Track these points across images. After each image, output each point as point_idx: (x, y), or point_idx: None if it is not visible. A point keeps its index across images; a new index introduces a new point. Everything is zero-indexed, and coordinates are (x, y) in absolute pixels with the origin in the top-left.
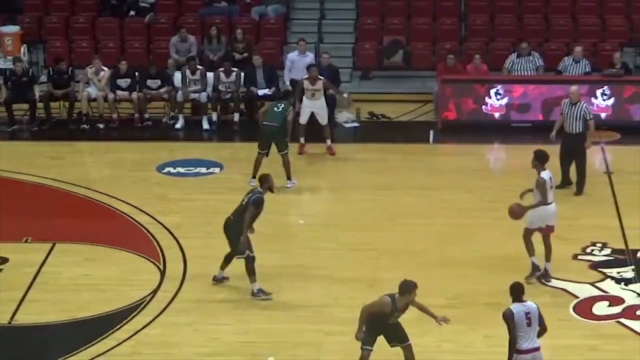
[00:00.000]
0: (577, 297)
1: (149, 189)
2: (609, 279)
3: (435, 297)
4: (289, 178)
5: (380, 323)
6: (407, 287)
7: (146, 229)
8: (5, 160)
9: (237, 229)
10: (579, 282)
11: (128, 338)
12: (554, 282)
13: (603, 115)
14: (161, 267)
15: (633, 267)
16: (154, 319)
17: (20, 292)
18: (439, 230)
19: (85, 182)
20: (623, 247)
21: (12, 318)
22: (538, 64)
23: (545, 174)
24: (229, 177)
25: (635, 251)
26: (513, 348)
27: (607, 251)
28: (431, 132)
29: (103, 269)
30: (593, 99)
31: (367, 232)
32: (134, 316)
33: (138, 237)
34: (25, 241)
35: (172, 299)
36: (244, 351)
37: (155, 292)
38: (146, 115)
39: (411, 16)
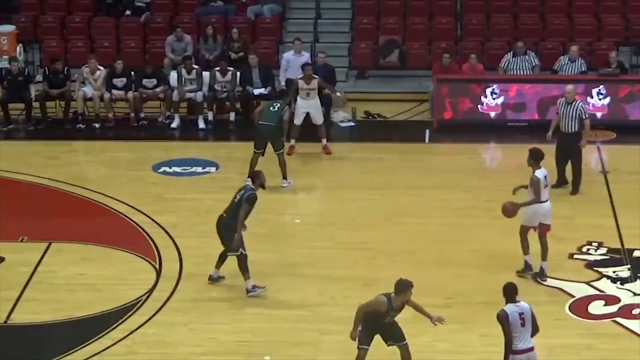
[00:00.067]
0: (573, 296)
1: (145, 189)
2: (604, 278)
3: (431, 296)
4: (284, 177)
5: (376, 322)
6: (403, 287)
7: (142, 229)
8: (1, 160)
9: (230, 226)
10: (575, 281)
11: (124, 337)
12: (549, 281)
13: (599, 114)
14: (157, 266)
15: (629, 266)
16: (149, 319)
17: (16, 292)
18: (435, 229)
19: (81, 181)
20: (619, 246)
21: (8, 317)
22: (534, 63)
23: (539, 173)
24: (225, 177)
25: (631, 250)
26: (509, 349)
27: (603, 250)
28: (427, 131)
29: (99, 269)
30: (589, 98)
31: (363, 231)
32: (130, 316)
33: (134, 236)
34: (21, 240)
35: (168, 298)
36: (240, 351)
37: (151, 291)
38: (142, 115)
39: (407, 16)
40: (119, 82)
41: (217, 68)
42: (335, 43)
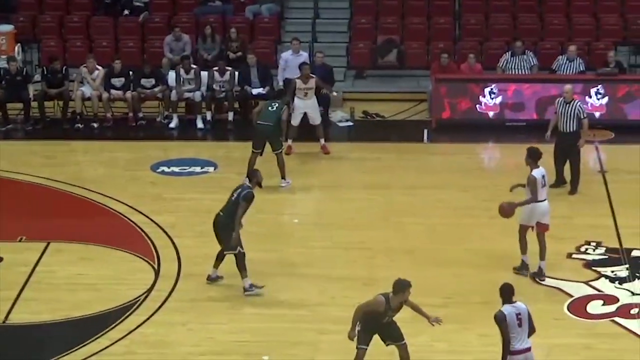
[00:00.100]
0: (571, 296)
1: (143, 188)
2: (603, 278)
3: (430, 296)
4: (283, 177)
5: (375, 322)
6: (401, 286)
7: (140, 228)
8: None
9: (227, 225)
10: (574, 281)
11: (122, 337)
12: (548, 281)
13: (597, 114)
14: (155, 266)
15: (627, 265)
16: (148, 318)
17: (15, 292)
18: (433, 229)
19: (79, 181)
20: (617, 246)
21: (6, 317)
22: (532, 63)
23: (537, 172)
24: (223, 177)
25: (630, 250)
26: (507, 350)
27: (602, 250)
28: (425, 131)
29: (97, 268)
30: (587, 98)
31: (362, 231)
32: (128, 315)
33: (132, 236)
34: (20, 240)
35: (167, 298)
36: (238, 350)
37: (149, 291)
38: (140, 115)
39: (405, 15)
40: (118, 81)
41: (216, 68)
42: (334, 43)
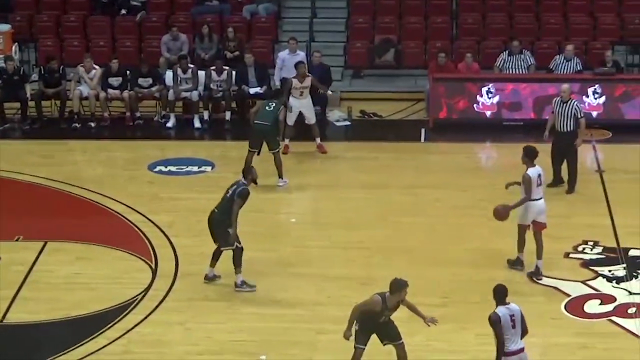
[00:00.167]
0: (568, 295)
1: (141, 188)
2: (600, 277)
3: (427, 295)
4: (280, 177)
5: (372, 322)
6: (398, 286)
7: (138, 228)
8: None
9: (222, 222)
10: (571, 280)
11: (120, 337)
12: (545, 280)
13: (594, 113)
14: (153, 265)
15: (624, 265)
16: (145, 318)
17: (12, 291)
18: (431, 228)
19: (76, 180)
20: (614, 245)
21: (3, 317)
22: (529, 63)
23: (532, 171)
24: (221, 176)
25: (627, 249)
26: (501, 351)
27: (599, 249)
28: (423, 130)
29: (95, 268)
30: (584, 98)
31: (360, 230)
32: (126, 315)
33: (130, 235)
34: (17, 240)
35: (164, 297)
36: (236, 350)
37: (146, 290)
38: (137, 114)
39: (402, 15)
40: (115, 81)
41: (213, 67)
42: (331, 42)
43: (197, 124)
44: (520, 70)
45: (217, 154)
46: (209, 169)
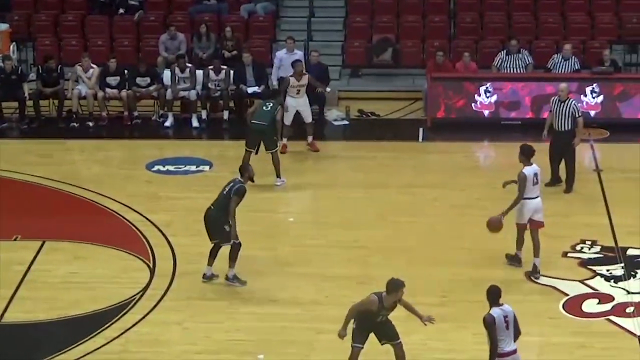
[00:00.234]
0: (566, 295)
1: (139, 187)
2: (598, 277)
3: (425, 294)
4: (278, 176)
5: (369, 321)
6: (394, 286)
7: (136, 227)
8: None
9: (218, 218)
10: (569, 280)
11: (118, 336)
12: (543, 280)
13: (592, 112)
14: (151, 265)
15: (622, 264)
16: (143, 317)
17: (10, 290)
18: (429, 228)
19: (74, 180)
20: (612, 244)
21: (1, 316)
22: (527, 62)
23: (529, 169)
24: (219, 175)
25: (625, 249)
26: (495, 353)
27: (597, 249)
28: (421, 129)
29: (92, 267)
30: (582, 97)
31: (358, 229)
32: (124, 314)
33: (128, 235)
34: (15, 239)
35: (162, 297)
36: (233, 349)
37: (144, 290)
38: (135, 113)
39: (400, 14)
40: (113, 80)
41: (211, 66)
42: (329, 41)
43: (195, 123)
44: (518, 69)
45: (215, 153)
46: (206, 168)
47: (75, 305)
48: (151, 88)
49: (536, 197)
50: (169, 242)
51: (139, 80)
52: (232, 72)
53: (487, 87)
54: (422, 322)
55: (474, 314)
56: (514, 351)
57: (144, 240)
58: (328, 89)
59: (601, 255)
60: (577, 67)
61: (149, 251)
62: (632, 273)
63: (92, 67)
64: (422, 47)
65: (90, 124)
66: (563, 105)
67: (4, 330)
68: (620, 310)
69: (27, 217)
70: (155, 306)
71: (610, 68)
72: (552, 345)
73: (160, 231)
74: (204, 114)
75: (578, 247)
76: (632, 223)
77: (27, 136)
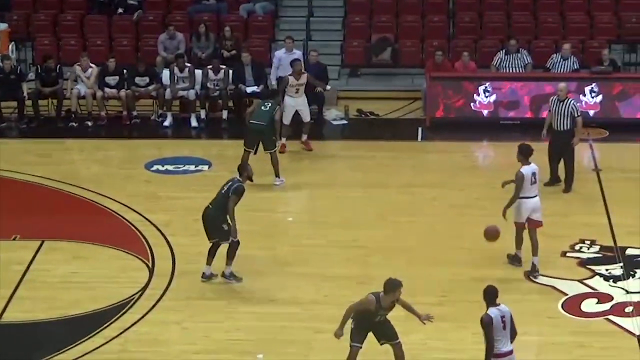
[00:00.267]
0: (565, 294)
1: (138, 187)
2: (597, 276)
3: (425, 294)
4: (277, 175)
5: (367, 321)
6: (392, 286)
7: (135, 227)
8: None
9: (216, 217)
10: (568, 279)
11: (117, 336)
12: (542, 279)
13: (591, 112)
14: (150, 264)
15: (621, 264)
16: (142, 317)
17: (9, 290)
18: (428, 227)
19: (73, 179)
20: (611, 244)
21: (0, 316)
22: (526, 61)
23: (527, 169)
24: (218, 175)
25: (624, 248)
26: (491, 353)
27: (596, 248)
28: (420, 129)
29: (91, 267)
30: (581, 96)
31: (357, 229)
32: (123, 314)
33: (127, 234)
34: (14, 239)
35: (161, 296)
36: (233, 349)
37: (144, 289)
38: (134, 113)
39: (399, 13)
40: (112, 80)
41: (210, 66)
42: (328, 41)
43: (194, 122)
44: (517, 69)
45: (214, 152)
46: (205, 168)
47: (74, 305)
48: (150, 88)
49: (534, 197)
50: (168, 242)
51: (137, 79)
52: (231, 71)
53: (486, 87)
54: (421, 320)
55: (473, 314)
56: (511, 352)
57: (143, 240)
58: (328, 87)
59: (600, 255)
60: (576, 67)
61: (148, 251)
62: (631, 273)
63: (91, 67)
64: (421, 46)
65: (89, 123)
66: (562, 105)
67: (3, 330)
68: (619, 309)
69: (26, 216)
70: (154, 306)
71: (609, 68)
72: (551, 344)
73: (160, 231)
74: (202, 114)
75: (577, 247)
76: (631, 223)
77: (26, 136)
